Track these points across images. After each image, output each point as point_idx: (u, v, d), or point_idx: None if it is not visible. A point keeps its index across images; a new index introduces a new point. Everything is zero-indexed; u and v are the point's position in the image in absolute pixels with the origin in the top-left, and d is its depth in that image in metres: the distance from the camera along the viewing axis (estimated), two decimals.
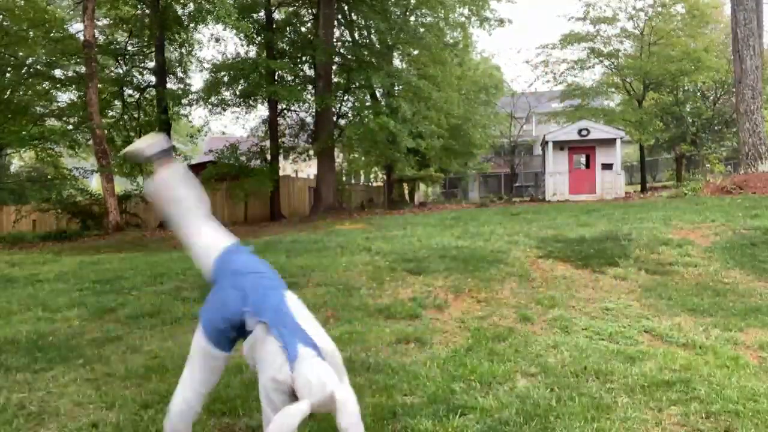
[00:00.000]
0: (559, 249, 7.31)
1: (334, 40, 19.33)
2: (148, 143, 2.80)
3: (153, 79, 20.78)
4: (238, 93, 20.24)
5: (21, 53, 19.89)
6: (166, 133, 19.73)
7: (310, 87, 20.08)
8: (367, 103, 21.09)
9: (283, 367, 2.19)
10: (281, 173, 21.45)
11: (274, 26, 19.34)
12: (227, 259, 2.57)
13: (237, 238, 2.72)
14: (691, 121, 30.15)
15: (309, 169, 29.90)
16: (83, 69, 17.24)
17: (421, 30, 19.68)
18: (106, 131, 17.65)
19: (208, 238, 2.66)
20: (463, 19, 21.06)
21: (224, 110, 20.47)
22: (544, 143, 21.45)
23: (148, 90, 21.35)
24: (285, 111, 21.94)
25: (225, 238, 2.68)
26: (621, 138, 20.04)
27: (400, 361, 3.95)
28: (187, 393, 2.50)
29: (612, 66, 25.76)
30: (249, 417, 3.11)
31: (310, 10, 20.42)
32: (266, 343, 2.29)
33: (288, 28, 20.52)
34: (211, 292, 2.55)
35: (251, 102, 20.90)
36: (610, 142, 19.66)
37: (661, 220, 8.91)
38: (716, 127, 30.19)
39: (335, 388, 2.13)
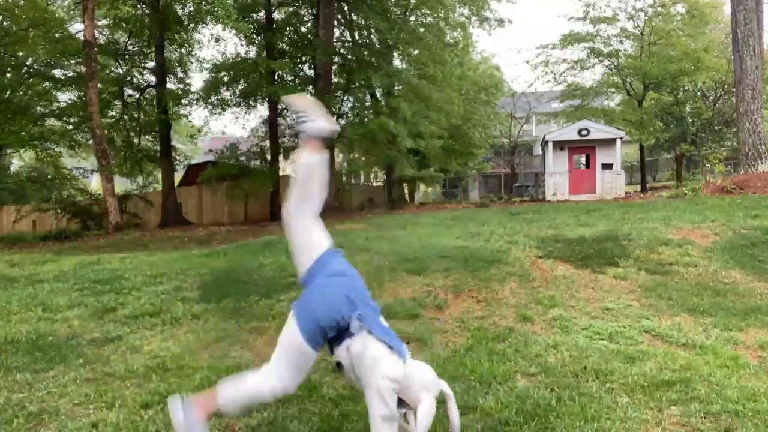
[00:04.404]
0: (559, 249, 7.31)
1: (334, 40, 19.33)
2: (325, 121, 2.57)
3: (153, 79, 20.78)
4: (238, 93, 20.24)
5: (21, 53, 19.89)
6: (165, 133, 19.81)
7: (310, 87, 20.06)
8: (367, 103, 21.08)
9: (396, 366, 2.28)
10: (281, 173, 21.45)
11: (274, 26, 19.33)
12: (326, 261, 2.54)
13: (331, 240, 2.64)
14: (691, 121, 30.15)
15: None
16: (83, 69, 17.23)
17: (421, 30, 19.68)
18: (106, 131, 17.65)
19: (314, 237, 2.59)
20: (463, 19, 21.06)
21: (224, 110, 20.48)
22: (544, 143, 21.45)
23: (148, 90, 21.35)
24: (285, 111, 21.93)
25: (326, 239, 2.63)
26: (621, 138, 20.05)
27: None
28: (276, 385, 2.43)
29: (612, 66, 25.76)
30: (249, 417, 3.11)
31: (310, 10, 20.41)
32: (370, 345, 2.33)
33: (288, 28, 20.51)
34: (309, 291, 2.48)
35: (251, 102, 20.90)
36: (610, 142, 19.67)
37: (661, 220, 8.91)
38: (716, 127, 30.19)
39: (441, 382, 2.38)
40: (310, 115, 2.56)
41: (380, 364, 2.27)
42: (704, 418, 3.07)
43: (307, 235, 2.58)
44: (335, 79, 19.94)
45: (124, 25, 20.44)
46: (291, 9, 20.72)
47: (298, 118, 2.58)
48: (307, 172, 2.53)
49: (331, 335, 2.40)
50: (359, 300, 2.43)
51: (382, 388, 2.23)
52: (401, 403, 2.30)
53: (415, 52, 20.80)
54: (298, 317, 2.41)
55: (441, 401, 2.44)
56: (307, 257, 2.54)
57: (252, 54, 20.55)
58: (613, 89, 26.83)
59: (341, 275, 2.50)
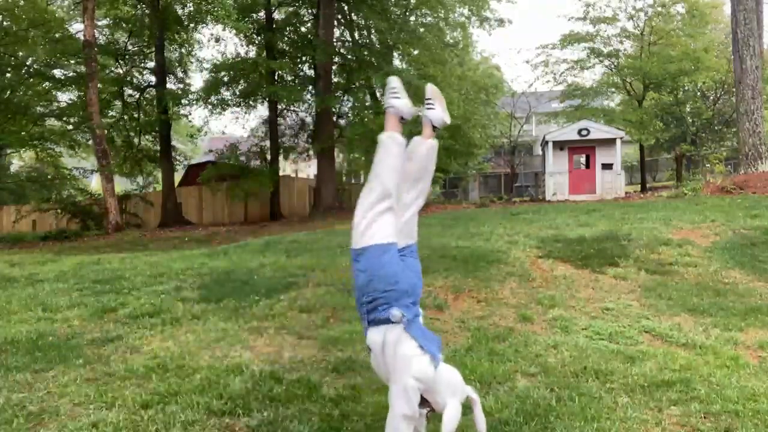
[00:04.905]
0: (559, 249, 7.30)
1: (334, 40, 19.33)
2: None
3: (153, 79, 20.80)
4: (238, 93, 20.23)
5: (21, 53, 19.90)
6: (165, 133, 19.82)
7: (310, 87, 20.07)
8: (367, 103, 21.07)
9: (426, 367, 2.27)
10: (281, 173, 21.47)
11: (274, 26, 19.34)
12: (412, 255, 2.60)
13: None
14: (691, 121, 30.16)
15: (309, 169, 29.86)
16: (83, 69, 17.24)
17: (421, 30, 19.67)
18: (106, 131, 17.66)
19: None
20: (463, 19, 21.05)
21: (224, 110, 20.49)
22: (544, 143, 21.45)
23: (148, 90, 21.36)
24: (285, 111, 21.94)
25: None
26: (621, 138, 20.04)
27: None
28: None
29: (612, 66, 25.76)
30: (249, 417, 3.11)
31: (310, 10, 20.42)
32: (403, 341, 2.33)
33: (288, 28, 20.51)
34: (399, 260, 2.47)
35: (251, 102, 20.89)
36: (610, 142, 19.66)
37: (661, 220, 8.90)
38: (716, 127, 30.20)
39: (468, 387, 2.37)
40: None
41: (410, 363, 2.28)
42: (704, 418, 3.07)
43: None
44: (335, 79, 19.94)
45: (124, 25, 20.47)
46: (291, 9, 20.72)
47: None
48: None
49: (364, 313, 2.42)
50: (412, 299, 2.51)
51: (408, 387, 2.24)
52: (423, 402, 2.31)
53: (415, 52, 20.79)
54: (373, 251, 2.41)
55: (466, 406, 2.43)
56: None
57: (252, 54, 20.56)
58: (613, 89, 26.82)
59: (417, 276, 2.59)
